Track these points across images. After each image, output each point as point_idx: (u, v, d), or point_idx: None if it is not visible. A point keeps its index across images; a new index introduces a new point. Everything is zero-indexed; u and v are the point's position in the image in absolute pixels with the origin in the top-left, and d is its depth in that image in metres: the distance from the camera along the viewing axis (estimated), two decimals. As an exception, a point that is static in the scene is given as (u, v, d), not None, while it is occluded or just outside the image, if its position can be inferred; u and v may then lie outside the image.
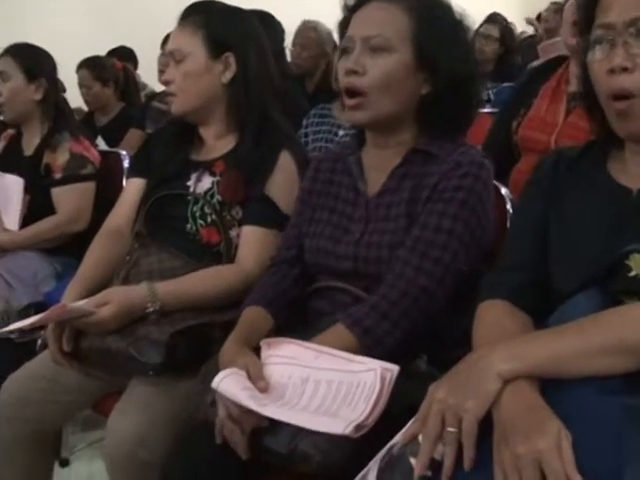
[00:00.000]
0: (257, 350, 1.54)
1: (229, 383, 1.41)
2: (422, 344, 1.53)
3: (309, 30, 4.49)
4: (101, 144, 4.30)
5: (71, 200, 2.73)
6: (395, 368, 1.34)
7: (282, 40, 4.19)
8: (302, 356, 1.44)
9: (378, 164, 1.68)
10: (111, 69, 4.63)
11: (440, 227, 1.53)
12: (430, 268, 1.52)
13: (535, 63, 4.53)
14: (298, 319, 1.69)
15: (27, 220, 2.76)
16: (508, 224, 1.78)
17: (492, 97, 4.75)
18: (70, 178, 2.73)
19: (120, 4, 7.02)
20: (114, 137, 4.38)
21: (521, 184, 2.35)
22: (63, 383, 1.93)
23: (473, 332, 1.34)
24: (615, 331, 1.10)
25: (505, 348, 1.14)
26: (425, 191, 1.58)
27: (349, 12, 1.67)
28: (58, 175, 2.73)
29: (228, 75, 1.98)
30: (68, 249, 2.74)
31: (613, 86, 1.27)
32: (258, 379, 1.43)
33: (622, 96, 1.26)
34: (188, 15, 1.99)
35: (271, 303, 1.68)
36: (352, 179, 1.70)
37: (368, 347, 1.46)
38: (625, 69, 1.24)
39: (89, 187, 2.77)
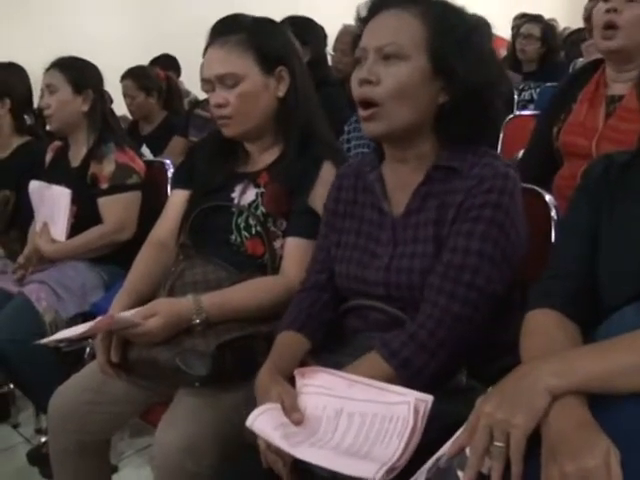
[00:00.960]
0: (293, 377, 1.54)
1: (262, 422, 1.41)
2: (462, 360, 1.52)
3: (350, 34, 4.48)
4: (146, 152, 4.36)
5: (117, 210, 2.76)
6: (429, 398, 1.32)
7: (324, 45, 4.20)
8: (336, 386, 1.43)
9: (400, 181, 1.65)
10: (154, 79, 4.67)
11: (469, 249, 1.50)
12: (464, 294, 1.48)
13: (579, 61, 4.48)
14: (333, 338, 1.69)
15: (75, 230, 2.79)
16: (553, 232, 1.76)
17: (535, 97, 4.71)
18: (116, 188, 2.76)
19: (162, 11, 7.08)
20: (158, 145, 4.43)
21: (565, 190, 2.35)
22: (110, 394, 1.96)
23: (521, 341, 1.33)
24: None
25: (554, 363, 1.13)
26: (451, 211, 1.55)
27: (362, 23, 1.63)
28: (104, 185, 2.76)
29: (282, 89, 1.98)
30: (115, 258, 2.78)
31: None
32: (292, 411, 1.43)
33: None
34: (222, 34, 1.95)
35: (304, 326, 1.68)
36: (375, 198, 1.67)
37: (405, 379, 1.44)
38: None
39: (135, 197, 2.81)
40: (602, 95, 2.47)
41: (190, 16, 6.84)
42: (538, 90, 4.74)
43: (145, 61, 5.76)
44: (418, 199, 1.60)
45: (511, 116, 3.40)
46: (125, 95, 4.60)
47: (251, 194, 2.00)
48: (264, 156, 2.04)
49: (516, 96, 4.59)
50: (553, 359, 1.14)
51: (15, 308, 2.58)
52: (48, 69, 2.85)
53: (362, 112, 1.57)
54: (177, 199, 2.15)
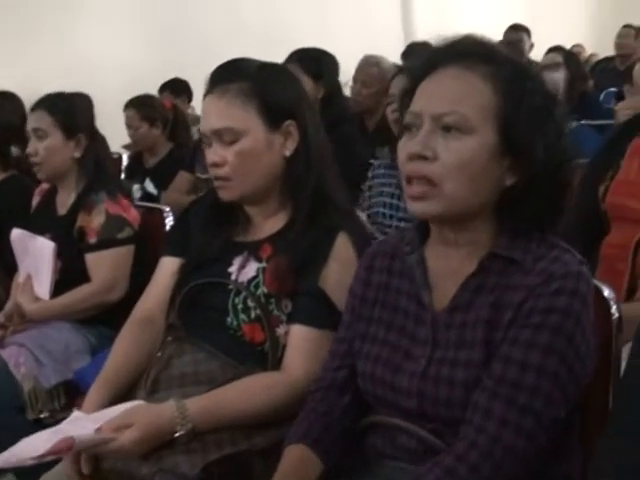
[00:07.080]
0: None
1: None
2: None
3: (371, 66, 4.17)
4: (149, 187, 4.13)
5: (106, 267, 2.48)
6: None
7: (338, 76, 3.90)
8: None
9: (447, 268, 1.36)
10: (159, 108, 4.39)
11: (527, 363, 1.22)
12: (517, 420, 1.20)
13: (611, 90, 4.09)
14: (353, 458, 1.40)
15: (60, 287, 2.52)
16: (614, 339, 1.41)
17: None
18: (105, 243, 2.48)
19: (173, 32, 6.81)
20: (163, 179, 4.18)
21: (614, 261, 2.02)
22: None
23: None
24: None
25: None
26: (508, 312, 1.26)
27: (415, 80, 1.34)
28: (92, 240, 2.48)
29: (290, 146, 1.69)
30: (104, 319, 2.50)
31: None
32: None
33: None
34: (223, 82, 1.68)
35: (318, 441, 1.39)
36: (414, 287, 1.38)
37: None
38: None
39: (126, 252, 2.52)
40: None
41: (203, 39, 6.60)
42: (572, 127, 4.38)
43: (156, 85, 5.53)
44: (467, 293, 1.32)
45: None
46: (128, 126, 4.33)
47: (251, 269, 1.70)
48: (268, 223, 1.75)
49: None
50: None
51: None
52: (33, 109, 2.58)
53: (410, 190, 1.29)
54: (167, 268, 1.84)
